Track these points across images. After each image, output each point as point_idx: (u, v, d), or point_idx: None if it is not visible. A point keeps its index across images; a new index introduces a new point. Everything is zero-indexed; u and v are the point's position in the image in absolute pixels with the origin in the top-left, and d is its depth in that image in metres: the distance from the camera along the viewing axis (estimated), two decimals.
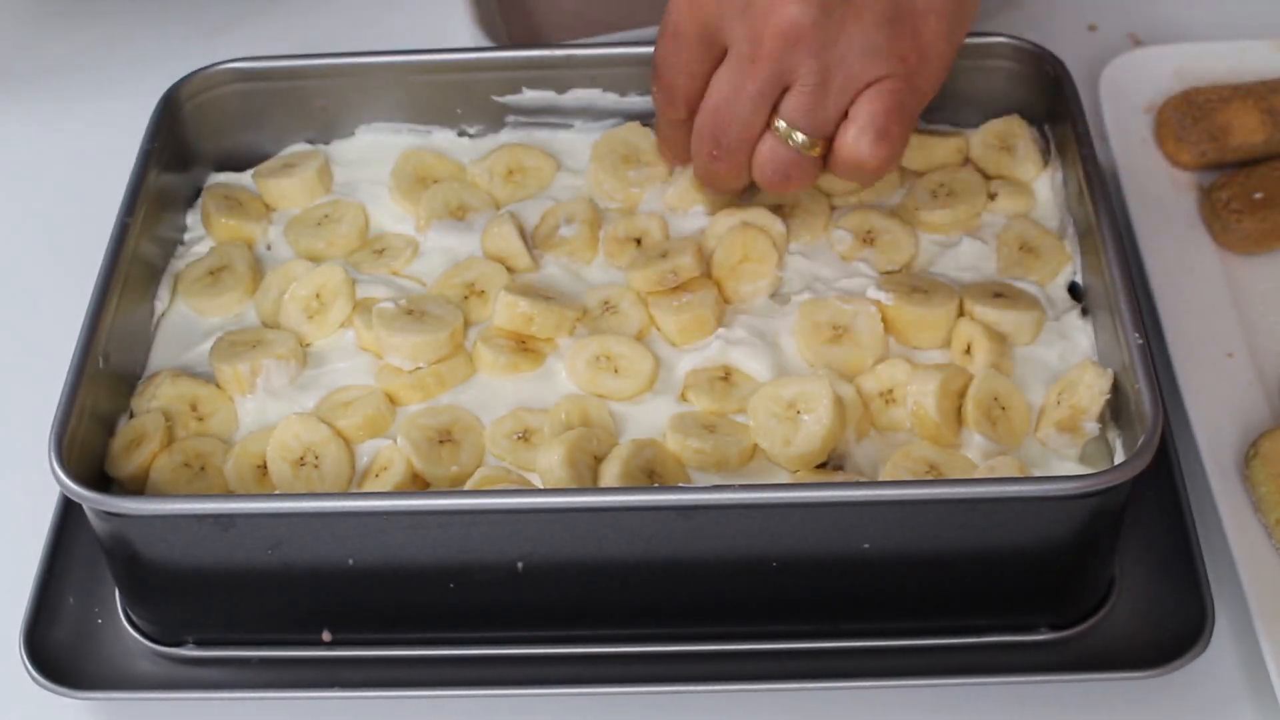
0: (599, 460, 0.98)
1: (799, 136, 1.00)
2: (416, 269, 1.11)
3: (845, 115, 1.00)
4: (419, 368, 1.04)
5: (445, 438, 1.00)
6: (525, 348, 1.05)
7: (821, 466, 0.98)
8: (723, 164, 1.03)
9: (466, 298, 1.08)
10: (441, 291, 1.08)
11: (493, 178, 1.16)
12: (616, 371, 1.03)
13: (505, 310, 1.05)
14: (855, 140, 0.99)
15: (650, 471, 0.97)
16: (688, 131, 1.05)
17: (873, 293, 1.05)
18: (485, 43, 1.25)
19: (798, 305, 1.06)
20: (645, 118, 1.18)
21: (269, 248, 1.14)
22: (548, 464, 0.97)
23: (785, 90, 0.99)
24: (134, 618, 1.01)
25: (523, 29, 1.34)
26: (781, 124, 1.00)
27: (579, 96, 1.17)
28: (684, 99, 1.03)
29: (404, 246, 1.12)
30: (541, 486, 0.97)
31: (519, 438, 1.01)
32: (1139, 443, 0.92)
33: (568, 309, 1.06)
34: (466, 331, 1.06)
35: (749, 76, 0.99)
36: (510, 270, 1.10)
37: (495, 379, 1.04)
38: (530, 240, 1.12)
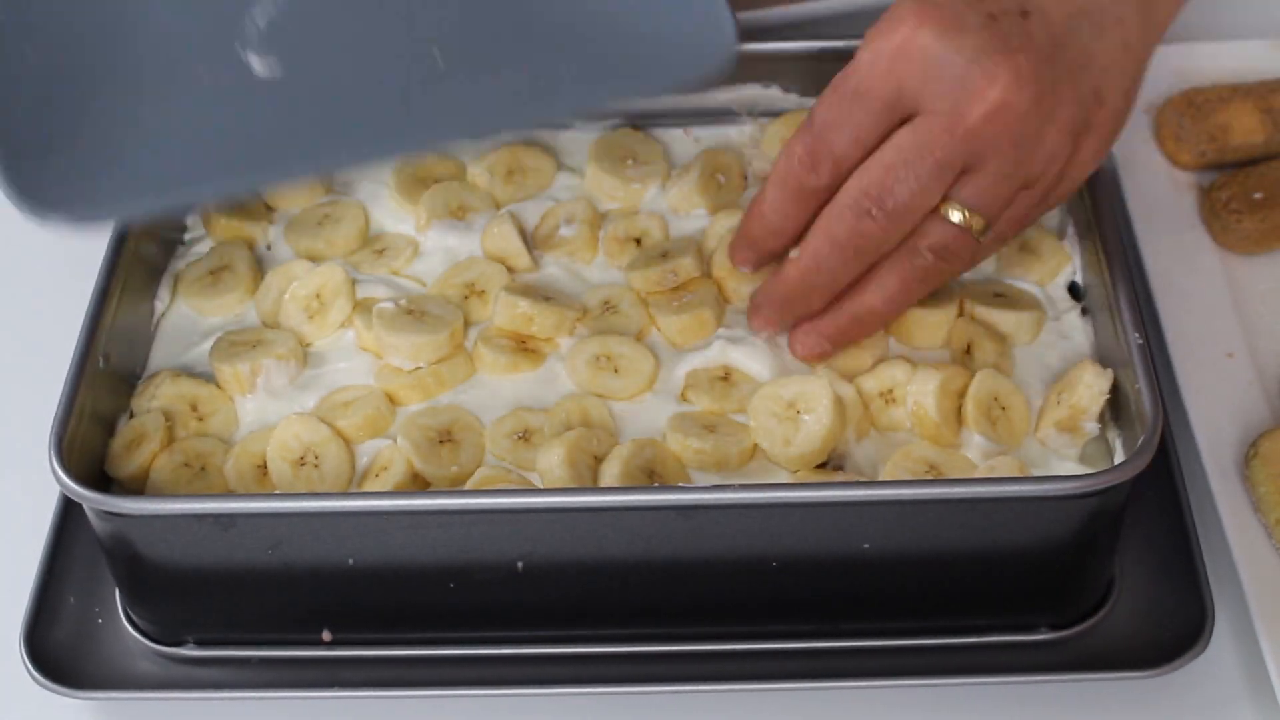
0: (599, 460, 0.98)
1: (971, 218, 0.94)
2: (416, 269, 1.11)
3: None
4: (419, 368, 1.04)
5: (445, 438, 1.00)
6: (525, 348, 1.05)
7: (821, 466, 0.98)
8: (876, 226, 0.94)
9: (466, 298, 1.08)
10: (441, 291, 1.08)
11: (493, 178, 1.16)
12: (617, 371, 1.03)
13: (505, 310, 1.05)
14: (985, 242, 0.96)
15: (650, 471, 0.97)
16: (810, 204, 0.97)
17: None
18: None
19: None
20: (643, 118, 1.18)
21: (269, 248, 1.14)
22: (547, 464, 0.97)
23: (963, 172, 0.93)
24: (134, 618, 1.01)
25: None
26: (955, 205, 0.94)
27: None
28: (834, 163, 0.95)
29: (404, 246, 1.12)
30: (541, 486, 0.98)
31: (519, 438, 1.01)
32: (1139, 443, 0.92)
33: (568, 309, 1.06)
34: (466, 331, 1.06)
35: (941, 146, 0.92)
36: (510, 270, 1.10)
37: (495, 379, 1.04)
38: (530, 240, 1.12)
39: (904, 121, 0.93)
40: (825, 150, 0.94)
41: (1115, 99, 0.96)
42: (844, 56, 1.14)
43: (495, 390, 1.04)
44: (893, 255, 0.96)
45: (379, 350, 1.05)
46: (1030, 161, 0.93)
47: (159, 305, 1.10)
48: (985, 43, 0.91)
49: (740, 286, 1.07)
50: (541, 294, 1.07)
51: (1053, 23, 0.93)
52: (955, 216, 0.94)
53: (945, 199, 0.94)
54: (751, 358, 1.03)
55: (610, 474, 0.96)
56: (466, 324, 1.06)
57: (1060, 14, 0.94)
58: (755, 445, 0.99)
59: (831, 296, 0.99)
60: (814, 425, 0.98)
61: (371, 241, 1.14)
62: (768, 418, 0.99)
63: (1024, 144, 0.92)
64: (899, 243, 0.96)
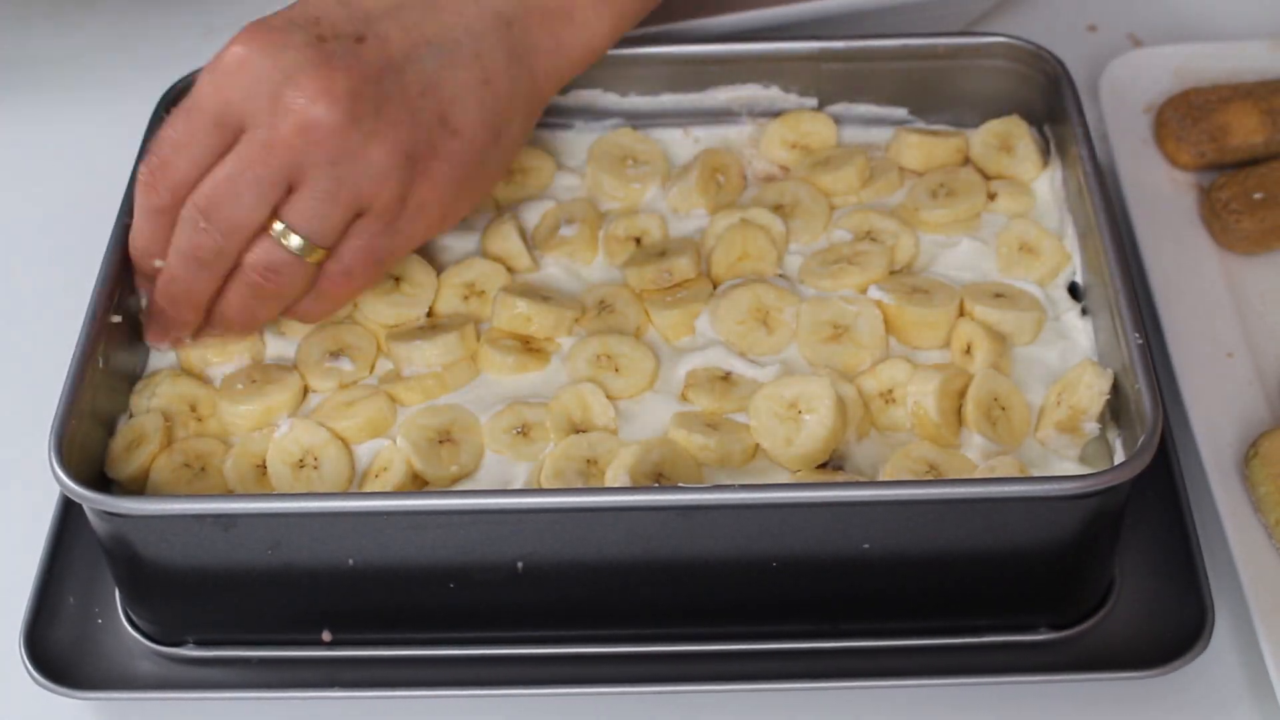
0: (591, 463, 0.98)
1: (296, 240, 0.97)
2: None
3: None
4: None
5: (444, 438, 1.00)
6: (530, 348, 1.05)
7: (822, 467, 0.98)
8: (209, 239, 0.97)
9: (466, 298, 1.08)
10: (442, 292, 1.08)
11: None
12: (617, 370, 1.03)
13: (503, 310, 1.05)
14: (334, 271, 0.99)
15: (658, 474, 0.97)
16: (165, 225, 0.99)
17: (873, 292, 1.05)
18: None
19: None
20: (643, 119, 1.18)
21: None
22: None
23: (290, 191, 0.96)
24: (134, 618, 1.01)
25: None
26: (280, 225, 0.97)
27: (579, 96, 1.17)
28: (174, 181, 0.97)
29: None
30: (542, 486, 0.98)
31: (518, 433, 1.01)
32: (1139, 443, 0.92)
33: (566, 309, 1.06)
34: (478, 337, 1.06)
35: (260, 161, 0.95)
36: (510, 270, 1.10)
37: (499, 379, 1.04)
38: (530, 240, 1.12)
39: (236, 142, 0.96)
40: (163, 169, 0.97)
41: (471, 129, 0.99)
42: (844, 56, 1.15)
43: (495, 389, 1.04)
44: (235, 272, 0.99)
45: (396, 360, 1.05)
46: (355, 181, 0.96)
47: None
48: (304, 60, 0.95)
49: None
50: (540, 294, 1.07)
51: (391, 49, 0.97)
52: (283, 237, 0.97)
53: (276, 217, 0.97)
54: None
55: (620, 482, 0.96)
56: (477, 331, 1.06)
57: (403, 42, 0.97)
58: (756, 445, 0.99)
59: (199, 308, 1.01)
60: (815, 425, 0.98)
61: None
62: (769, 418, 0.99)
63: (343, 161, 0.95)
64: (239, 257, 0.98)
